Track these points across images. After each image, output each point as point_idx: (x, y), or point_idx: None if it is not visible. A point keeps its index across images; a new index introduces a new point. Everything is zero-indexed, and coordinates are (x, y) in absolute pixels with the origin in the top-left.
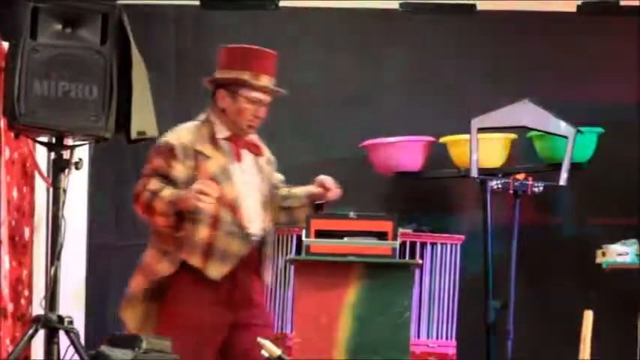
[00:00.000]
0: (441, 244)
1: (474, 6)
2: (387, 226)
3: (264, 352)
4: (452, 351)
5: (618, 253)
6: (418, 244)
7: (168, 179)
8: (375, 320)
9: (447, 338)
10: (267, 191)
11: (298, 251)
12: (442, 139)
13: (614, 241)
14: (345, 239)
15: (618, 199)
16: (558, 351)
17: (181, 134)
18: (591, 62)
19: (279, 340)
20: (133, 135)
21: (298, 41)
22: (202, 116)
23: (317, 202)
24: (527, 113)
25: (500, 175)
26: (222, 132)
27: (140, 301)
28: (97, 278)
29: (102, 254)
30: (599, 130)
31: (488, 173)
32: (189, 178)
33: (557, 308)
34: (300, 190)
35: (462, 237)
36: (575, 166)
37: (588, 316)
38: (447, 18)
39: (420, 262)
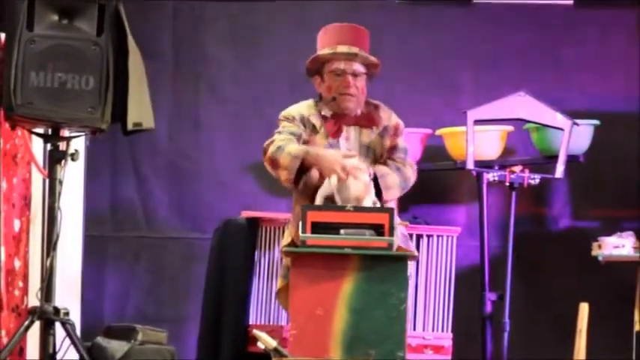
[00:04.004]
0: (437, 236)
1: None
2: (383, 218)
3: (260, 344)
4: (448, 343)
5: (614, 246)
6: (414, 236)
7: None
8: (371, 312)
9: (443, 330)
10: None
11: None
12: (438, 132)
13: (610, 233)
14: (342, 232)
15: (614, 191)
16: (554, 343)
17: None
18: (588, 54)
19: (275, 331)
20: (130, 126)
21: (296, 31)
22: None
23: None
24: (523, 105)
25: (496, 168)
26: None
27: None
28: (93, 269)
29: (98, 245)
30: (596, 122)
31: (484, 165)
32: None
33: (552, 300)
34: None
35: (458, 229)
36: (571, 159)
37: (584, 309)
38: (444, 9)
39: (417, 254)
